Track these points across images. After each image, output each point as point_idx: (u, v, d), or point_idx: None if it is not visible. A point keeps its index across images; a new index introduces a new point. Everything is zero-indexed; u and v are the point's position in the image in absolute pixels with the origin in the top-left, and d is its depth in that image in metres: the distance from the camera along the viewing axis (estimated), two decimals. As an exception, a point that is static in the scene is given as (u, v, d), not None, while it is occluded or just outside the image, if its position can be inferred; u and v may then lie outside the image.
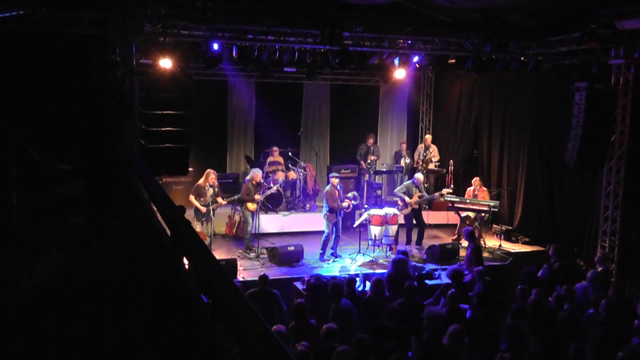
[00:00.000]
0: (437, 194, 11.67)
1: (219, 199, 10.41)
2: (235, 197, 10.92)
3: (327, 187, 10.68)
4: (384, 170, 14.37)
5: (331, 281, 7.96)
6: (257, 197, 10.69)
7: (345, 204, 10.55)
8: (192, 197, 10.23)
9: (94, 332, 3.57)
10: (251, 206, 10.68)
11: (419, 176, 11.60)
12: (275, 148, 13.13)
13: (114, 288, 4.10)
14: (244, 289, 7.88)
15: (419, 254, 11.00)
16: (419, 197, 11.28)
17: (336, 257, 10.63)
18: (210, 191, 10.26)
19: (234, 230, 11.75)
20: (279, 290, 7.89)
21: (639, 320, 6.36)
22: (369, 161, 13.74)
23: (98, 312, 3.78)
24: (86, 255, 4.57)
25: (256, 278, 9.00)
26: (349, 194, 11.06)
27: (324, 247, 10.52)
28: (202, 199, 10.22)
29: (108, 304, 3.85)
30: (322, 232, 10.72)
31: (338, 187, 10.53)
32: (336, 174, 10.91)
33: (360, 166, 13.90)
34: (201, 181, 10.36)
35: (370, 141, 14.05)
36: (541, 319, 6.58)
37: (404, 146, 14.63)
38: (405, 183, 11.81)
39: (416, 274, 8.92)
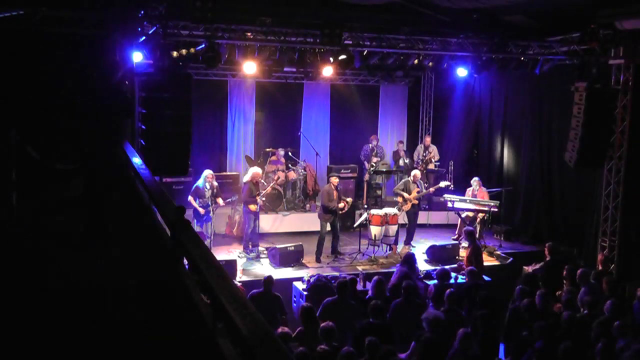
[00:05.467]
0: (438, 186, 11.70)
1: (219, 200, 10.39)
2: (233, 198, 10.90)
3: (326, 186, 10.71)
4: (384, 170, 14.39)
5: (334, 281, 7.98)
6: (258, 199, 10.67)
7: (341, 205, 10.56)
8: (191, 198, 10.28)
9: (94, 332, 3.57)
10: (253, 207, 10.66)
11: (417, 173, 11.62)
12: (279, 149, 13.17)
13: (114, 288, 4.10)
14: (245, 289, 7.89)
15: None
16: (417, 192, 11.29)
17: (336, 256, 10.63)
18: (209, 192, 10.26)
19: (234, 230, 11.74)
20: (279, 291, 7.90)
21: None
22: (373, 162, 13.77)
23: (98, 311, 3.78)
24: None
25: (256, 278, 9.04)
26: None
27: (318, 248, 10.49)
28: (201, 200, 10.24)
29: (108, 304, 3.85)
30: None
31: (338, 187, 10.55)
32: (336, 174, 10.92)
33: (363, 166, 13.94)
34: (199, 182, 10.37)
35: (375, 142, 14.11)
36: (548, 321, 6.55)
37: (402, 146, 14.66)
38: (403, 180, 11.87)
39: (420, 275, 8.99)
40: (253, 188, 10.70)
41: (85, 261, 4.67)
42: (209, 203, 10.21)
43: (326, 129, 15.15)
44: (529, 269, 9.61)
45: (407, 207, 11.30)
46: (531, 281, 8.31)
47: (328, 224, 10.53)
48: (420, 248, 11.28)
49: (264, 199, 11.18)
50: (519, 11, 9.58)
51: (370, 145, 14.07)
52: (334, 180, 10.57)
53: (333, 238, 10.67)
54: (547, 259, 9.30)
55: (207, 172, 10.38)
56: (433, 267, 9.98)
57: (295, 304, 8.80)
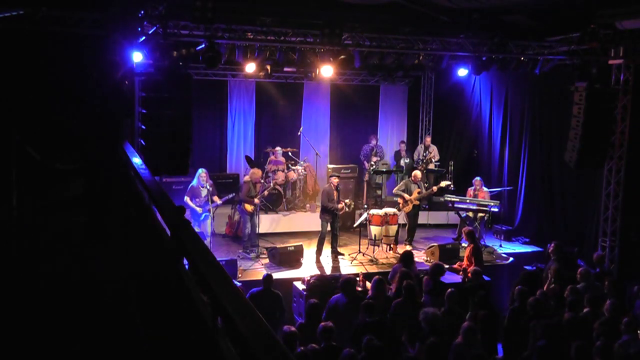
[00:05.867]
0: (439, 185, 11.69)
1: (216, 198, 10.37)
2: (230, 196, 10.86)
3: (325, 186, 10.71)
4: (384, 170, 14.41)
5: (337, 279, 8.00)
6: (256, 200, 10.66)
7: (340, 206, 10.54)
8: (187, 199, 10.25)
9: (94, 332, 3.57)
10: (248, 207, 10.65)
11: (417, 173, 11.61)
12: (277, 148, 13.16)
13: (114, 287, 4.10)
14: (245, 289, 7.89)
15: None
16: (418, 193, 11.29)
17: (336, 256, 10.63)
18: (205, 191, 10.25)
19: (234, 230, 11.74)
20: (279, 291, 7.90)
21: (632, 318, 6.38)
22: (372, 162, 13.78)
23: (98, 310, 3.78)
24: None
25: (256, 278, 9.04)
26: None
27: (318, 248, 10.49)
28: (198, 199, 10.24)
29: (108, 303, 3.85)
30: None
31: (338, 187, 10.54)
32: (337, 174, 10.92)
33: (363, 166, 13.94)
34: (194, 182, 10.38)
35: (374, 142, 14.12)
36: (546, 320, 6.55)
37: (403, 146, 14.67)
38: (404, 181, 11.86)
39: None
40: (252, 188, 10.70)
41: (85, 261, 4.68)
42: (207, 202, 10.21)
43: (326, 129, 15.16)
44: (530, 269, 9.60)
45: (408, 208, 11.27)
46: (531, 281, 8.31)
47: (328, 224, 10.53)
48: (420, 248, 11.29)
49: (262, 201, 11.16)
50: (519, 11, 9.58)
51: (370, 145, 14.10)
52: (334, 180, 10.54)
53: (332, 238, 10.67)
54: (552, 258, 9.28)
55: (201, 171, 10.40)
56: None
57: (295, 304, 8.80)
